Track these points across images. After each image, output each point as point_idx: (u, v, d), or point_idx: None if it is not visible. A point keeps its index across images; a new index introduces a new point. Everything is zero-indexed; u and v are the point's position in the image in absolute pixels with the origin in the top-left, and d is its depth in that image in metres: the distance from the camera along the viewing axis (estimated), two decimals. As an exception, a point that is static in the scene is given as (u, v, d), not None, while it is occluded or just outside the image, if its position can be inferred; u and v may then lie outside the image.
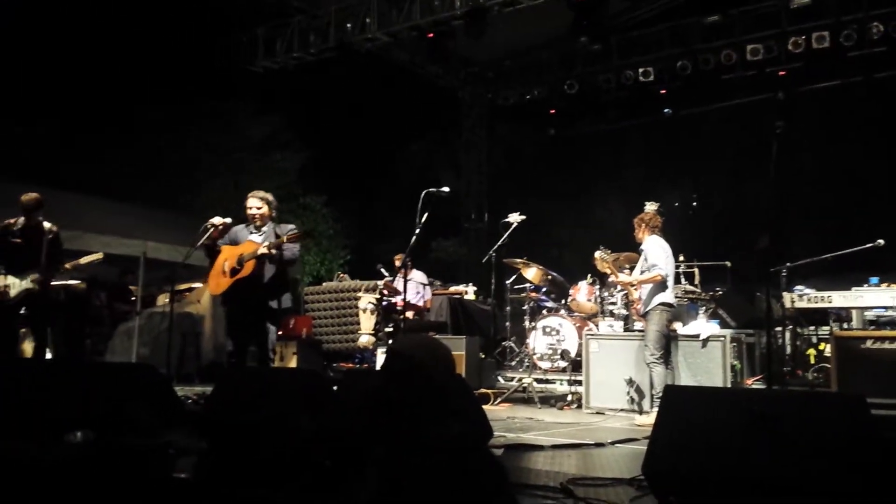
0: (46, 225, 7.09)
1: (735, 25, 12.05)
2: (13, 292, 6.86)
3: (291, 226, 6.35)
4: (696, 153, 15.40)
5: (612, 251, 8.63)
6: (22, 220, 7.04)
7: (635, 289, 6.87)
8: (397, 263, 9.08)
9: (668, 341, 6.57)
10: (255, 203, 6.38)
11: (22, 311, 6.98)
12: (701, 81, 12.62)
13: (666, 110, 13.15)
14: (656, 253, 6.57)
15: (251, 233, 6.34)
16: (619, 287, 8.11)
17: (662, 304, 6.49)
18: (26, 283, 6.87)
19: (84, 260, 7.18)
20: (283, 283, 6.31)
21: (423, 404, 2.79)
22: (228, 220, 6.35)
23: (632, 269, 7.23)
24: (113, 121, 18.67)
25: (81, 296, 10.45)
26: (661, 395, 6.09)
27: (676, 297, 8.68)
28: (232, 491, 3.40)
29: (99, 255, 7.33)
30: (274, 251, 6.03)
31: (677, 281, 9.36)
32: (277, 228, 6.31)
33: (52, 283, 7.04)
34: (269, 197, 6.50)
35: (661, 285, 6.51)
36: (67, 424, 4.01)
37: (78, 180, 15.14)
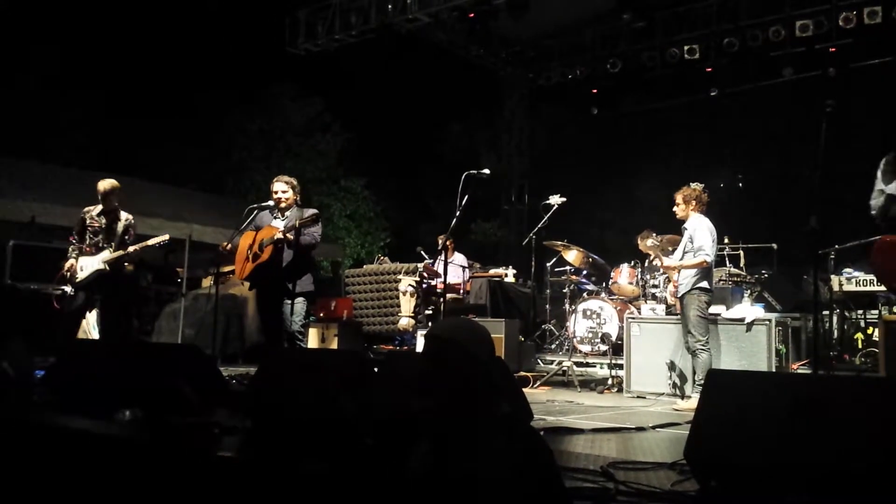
0: (123, 214, 7.37)
1: (784, 1, 11.73)
2: (84, 274, 7.11)
3: (314, 210, 6.38)
4: (743, 133, 15.11)
5: (656, 234, 8.53)
6: (100, 207, 7.31)
7: (677, 272, 6.69)
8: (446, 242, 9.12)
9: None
10: (281, 187, 6.43)
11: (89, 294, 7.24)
12: (748, 58, 12.33)
13: (712, 92, 12.88)
14: (703, 235, 6.30)
15: (275, 217, 6.43)
16: (661, 270, 7.96)
17: (701, 288, 6.28)
18: (97, 264, 7.12)
19: (151, 241, 7.44)
20: (304, 267, 6.34)
21: (471, 384, 2.80)
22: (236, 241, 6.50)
23: (674, 250, 7.01)
24: (157, 106, 19.01)
25: (130, 277, 10.68)
26: (702, 380, 5.99)
27: (721, 280, 8.56)
28: (276, 468, 3.46)
29: (165, 237, 7.58)
30: (290, 235, 6.08)
31: (722, 263, 9.23)
32: (299, 213, 6.33)
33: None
34: (294, 181, 6.56)
35: (704, 269, 6.32)
36: (117, 402, 4.12)
37: (123, 164, 15.48)
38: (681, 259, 6.52)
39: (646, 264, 8.89)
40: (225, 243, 6.59)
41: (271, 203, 6.46)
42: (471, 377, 2.79)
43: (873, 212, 4.55)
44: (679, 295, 6.50)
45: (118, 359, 4.87)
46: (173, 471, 3.50)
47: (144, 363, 4.72)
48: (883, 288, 8.17)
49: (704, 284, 6.31)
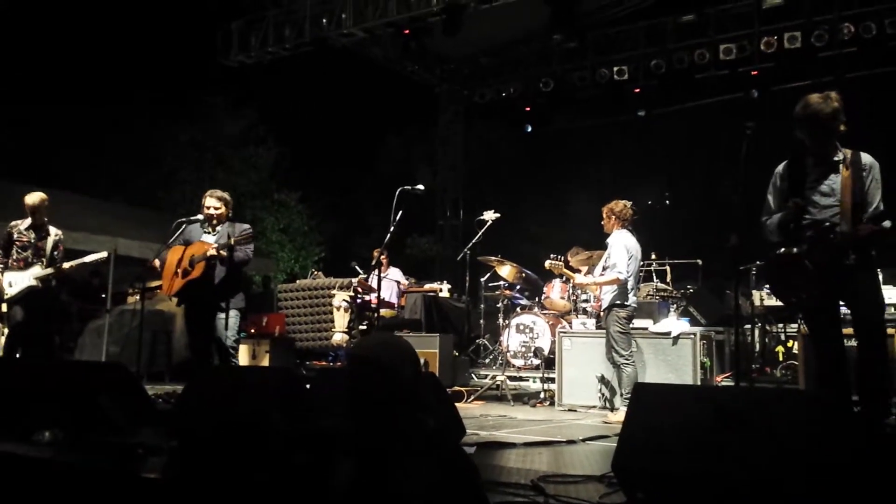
0: (52, 229, 7.23)
1: (709, 25, 12.18)
2: (13, 290, 6.89)
3: (246, 226, 6.26)
4: (670, 151, 15.56)
5: (586, 249, 8.69)
6: (28, 220, 7.13)
7: (596, 288, 6.82)
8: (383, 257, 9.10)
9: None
10: (214, 203, 6.30)
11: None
12: (674, 80, 12.72)
13: (640, 112, 13.24)
14: (619, 253, 6.42)
15: (205, 232, 6.29)
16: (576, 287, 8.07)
17: (618, 304, 6.40)
18: (28, 280, 6.89)
19: (89, 259, 7.28)
20: (235, 284, 6.25)
21: (395, 401, 2.80)
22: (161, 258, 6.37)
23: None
24: (83, 116, 18.45)
25: (52, 292, 10.32)
26: (628, 393, 6.13)
27: (648, 295, 8.76)
28: (201, 490, 3.38)
29: (103, 255, 7.45)
30: (224, 252, 5.98)
31: (649, 279, 9.45)
32: (231, 229, 6.21)
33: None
34: (227, 196, 6.44)
35: (620, 285, 6.41)
36: (36, 423, 3.96)
37: (48, 176, 14.96)
38: (601, 273, 6.66)
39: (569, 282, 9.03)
40: (154, 261, 6.41)
41: (201, 217, 6.33)
42: (392, 395, 2.79)
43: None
44: (602, 311, 6.64)
45: (38, 377, 4.69)
46: (95, 493, 3.39)
47: (66, 381, 4.56)
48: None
49: (621, 299, 6.42)
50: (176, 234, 6.33)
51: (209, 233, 6.27)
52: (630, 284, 6.45)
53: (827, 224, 4.32)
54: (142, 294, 7.40)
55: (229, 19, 12.96)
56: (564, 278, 9.16)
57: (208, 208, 6.29)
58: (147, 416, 4.45)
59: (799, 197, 4.42)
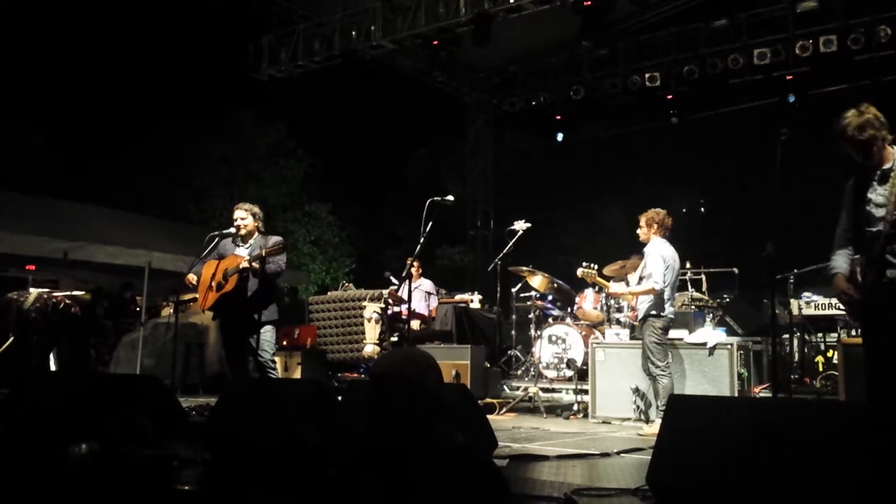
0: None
1: (742, 30, 12.03)
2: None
3: (277, 238, 6.27)
4: (704, 159, 15.36)
5: (620, 258, 8.59)
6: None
7: (631, 298, 6.73)
8: (414, 268, 9.12)
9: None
10: (241, 215, 6.32)
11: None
12: (708, 86, 12.59)
13: (673, 119, 13.11)
14: (655, 262, 6.31)
15: (237, 246, 6.33)
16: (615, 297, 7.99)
17: (654, 314, 6.30)
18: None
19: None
20: (269, 296, 6.27)
21: (419, 415, 2.77)
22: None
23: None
24: (117, 131, 18.80)
25: (86, 306, 10.48)
26: (665, 405, 6.02)
27: (684, 305, 8.63)
28: (235, 502, 3.39)
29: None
30: (256, 265, 6.00)
31: (684, 288, 9.31)
32: (263, 241, 6.23)
33: (59, 294, 7.13)
34: (256, 209, 6.44)
35: (656, 295, 6.31)
36: (72, 436, 4.01)
37: (81, 190, 15.24)
38: (638, 282, 6.57)
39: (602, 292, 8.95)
40: (189, 275, 6.43)
41: (232, 230, 6.38)
42: (416, 410, 2.76)
43: None
44: (638, 321, 6.55)
45: (74, 390, 4.75)
46: (129, 506, 3.41)
47: (101, 394, 4.61)
48: (841, 311, 8.33)
49: (657, 310, 6.32)
50: (209, 248, 6.38)
51: (240, 245, 6.32)
52: (667, 294, 6.34)
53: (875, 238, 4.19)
54: (176, 307, 7.47)
55: (259, 34, 13.11)
56: (597, 288, 9.06)
57: (235, 220, 6.33)
58: (181, 429, 4.49)
59: (860, 210, 4.25)
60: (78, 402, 4.52)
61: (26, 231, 9.41)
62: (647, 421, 6.60)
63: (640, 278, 6.54)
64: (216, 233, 6.56)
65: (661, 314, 6.33)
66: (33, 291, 8.27)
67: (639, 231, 6.59)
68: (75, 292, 10.00)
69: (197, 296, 6.61)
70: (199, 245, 6.67)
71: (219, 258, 6.30)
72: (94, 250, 9.92)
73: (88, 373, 8.70)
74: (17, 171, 17.44)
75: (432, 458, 2.63)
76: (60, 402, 4.58)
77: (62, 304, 8.60)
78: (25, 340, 7.32)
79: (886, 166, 4.21)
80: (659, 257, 6.34)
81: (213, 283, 6.17)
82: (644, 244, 6.59)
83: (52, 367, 7.60)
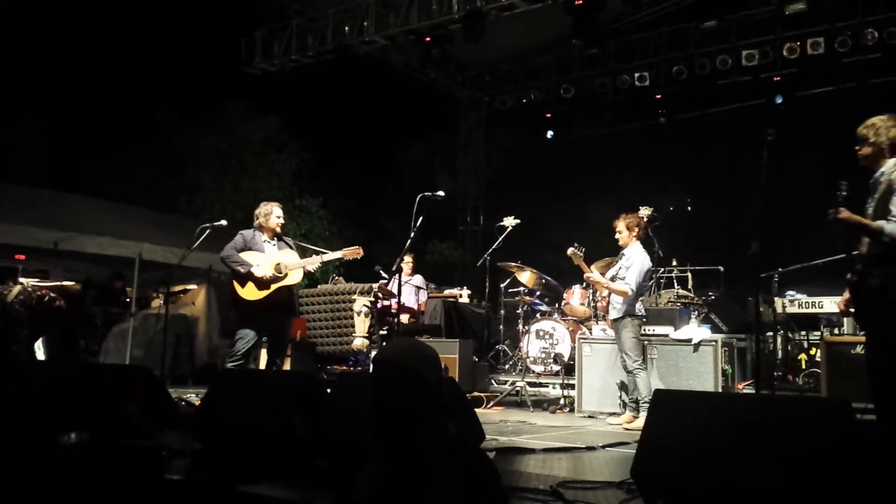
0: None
1: (731, 31, 12.13)
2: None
3: (288, 238, 6.61)
4: (691, 158, 15.42)
5: (608, 255, 8.64)
6: None
7: (604, 289, 6.84)
8: (406, 263, 9.23)
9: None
10: (280, 213, 6.64)
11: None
12: (696, 86, 12.68)
13: (661, 118, 13.19)
14: (635, 268, 6.47)
15: (264, 241, 6.49)
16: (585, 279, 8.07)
17: (633, 315, 6.49)
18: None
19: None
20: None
21: (420, 405, 2.82)
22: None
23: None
24: (110, 122, 18.72)
25: (76, 297, 10.47)
26: (646, 399, 6.13)
27: (670, 302, 8.73)
28: (225, 492, 3.42)
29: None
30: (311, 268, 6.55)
31: (670, 285, 9.42)
32: (286, 241, 6.61)
33: (45, 286, 7.18)
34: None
35: (631, 297, 6.47)
36: (61, 426, 4.03)
37: (74, 181, 15.17)
38: (612, 279, 6.68)
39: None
40: (250, 268, 6.39)
41: (223, 222, 6.48)
42: (417, 399, 2.82)
43: None
44: (611, 318, 6.70)
45: (64, 380, 4.77)
46: (120, 494, 3.44)
47: (91, 384, 4.62)
48: (824, 310, 8.44)
49: (636, 311, 6.53)
50: (199, 239, 6.44)
51: (268, 242, 6.50)
52: (638, 296, 6.54)
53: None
54: (166, 298, 7.50)
55: (253, 28, 13.09)
56: (585, 284, 9.13)
57: (279, 217, 6.60)
58: (171, 419, 4.51)
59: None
60: (67, 391, 4.53)
61: (17, 221, 9.39)
62: (628, 412, 6.66)
63: (614, 277, 6.67)
64: (207, 224, 6.61)
65: (636, 314, 6.53)
66: (18, 284, 8.23)
67: (618, 235, 6.72)
68: (65, 283, 9.98)
69: (187, 287, 6.68)
70: (190, 237, 6.71)
71: (247, 250, 6.39)
72: (85, 241, 9.88)
73: (78, 363, 8.69)
74: (7, 161, 17.34)
75: (428, 447, 2.68)
76: (49, 391, 4.59)
77: (46, 298, 8.57)
78: (11, 333, 7.31)
79: (877, 174, 4.23)
80: (639, 263, 6.52)
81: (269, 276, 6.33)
82: (622, 248, 6.72)
83: (41, 358, 7.60)
